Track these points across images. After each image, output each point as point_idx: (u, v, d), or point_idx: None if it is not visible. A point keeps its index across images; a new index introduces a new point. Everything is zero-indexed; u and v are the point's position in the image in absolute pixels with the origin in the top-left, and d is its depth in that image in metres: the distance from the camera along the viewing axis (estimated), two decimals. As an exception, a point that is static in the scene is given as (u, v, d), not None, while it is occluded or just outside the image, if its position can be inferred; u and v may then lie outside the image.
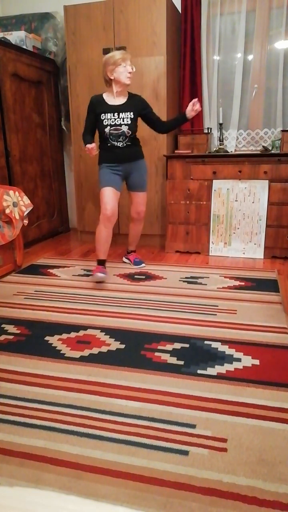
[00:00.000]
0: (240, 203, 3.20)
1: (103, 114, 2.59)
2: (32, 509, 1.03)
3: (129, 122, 2.61)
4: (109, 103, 2.61)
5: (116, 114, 2.58)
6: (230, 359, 1.72)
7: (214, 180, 3.22)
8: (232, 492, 1.07)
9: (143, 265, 3.04)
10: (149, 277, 2.79)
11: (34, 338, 1.94)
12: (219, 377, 1.59)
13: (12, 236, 2.79)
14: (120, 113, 2.59)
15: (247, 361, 1.70)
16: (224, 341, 1.88)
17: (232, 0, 3.36)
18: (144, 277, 2.80)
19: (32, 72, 3.50)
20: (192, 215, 3.32)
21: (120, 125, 2.59)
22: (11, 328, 2.05)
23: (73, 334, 1.97)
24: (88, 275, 2.84)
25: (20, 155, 3.44)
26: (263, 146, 3.36)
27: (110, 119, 2.58)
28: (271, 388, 1.51)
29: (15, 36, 3.45)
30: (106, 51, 3.28)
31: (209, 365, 1.67)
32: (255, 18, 3.33)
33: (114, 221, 2.67)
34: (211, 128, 3.58)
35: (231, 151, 3.58)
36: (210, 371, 1.63)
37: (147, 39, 3.18)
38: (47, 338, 1.94)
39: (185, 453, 1.21)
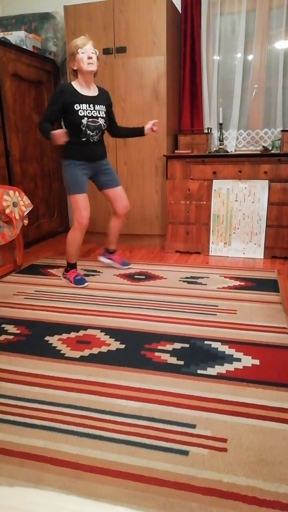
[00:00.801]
0: (240, 203, 3.20)
1: (77, 105, 2.38)
2: (32, 509, 1.03)
3: (104, 115, 2.49)
4: (82, 93, 2.42)
5: (91, 105, 2.42)
6: (230, 359, 1.72)
7: (214, 180, 3.22)
8: (232, 492, 1.07)
9: (130, 265, 3.00)
10: (149, 277, 2.79)
11: (34, 338, 1.94)
12: (219, 377, 1.59)
13: (12, 236, 2.79)
14: (96, 105, 2.44)
15: (247, 361, 1.70)
16: (224, 341, 1.88)
17: (232, 0, 3.36)
18: (144, 277, 2.80)
19: (32, 72, 3.50)
20: (192, 215, 3.32)
21: (97, 117, 2.44)
22: (11, 328, 2.05)
23: (73, 334, 1.97)
24: (88, 275, 2.84)
25: (20, 155, 3.44)
26: (263, 146, 3.36)
27: (86, 110, 2.40)
28: (271, 388, 1.50)
29: (15, 36, 3.45)
30: (106, 51, 3.28)
31: (209, 365, 1.67)
32: (255, 18, 3.33)
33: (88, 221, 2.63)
34: (211, 128, 3.59)
35: (231, 151, 3.58)
36: (210, 371, 1.63)
37: (147, 39, 3.18)
38: (47, 338, 1.94)
39: (185, 453, 1.21)
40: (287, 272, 2.89)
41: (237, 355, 1.75)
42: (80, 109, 2.39)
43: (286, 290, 2.53)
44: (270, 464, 1.16)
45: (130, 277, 2.80)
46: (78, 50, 2.33)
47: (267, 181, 3.09)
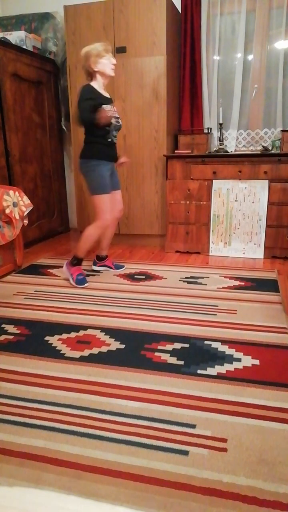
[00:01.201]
0: (240, 203, 3.20)
1: (104, 106, 2.43)
2: (32, 509, 1.03)
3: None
4: (103, 94, 2.51)
5: (112, 106, 2.51)
6: (230, 359, 1.72)
7: (214, 180, 3.22)
8: (232, 492, 1.07)
9: (124, 267, 2.98)
10: (149, 277, 2.79)
11: (34, 338, 1.94)
12: (219, 377, 1.59)
13: (12, 236, 2.79)
14: (114, 106, 2.53)
15: (247, 361, 1.70)
16: (224, 341, 1.88)
17: (232, 0, 3.36)
18: (144, 277, 2.80)
19: (32, 72, 3.50)
20: (192, 215, 3.32)
21: (118, 118, 2.54)
22: (11, 328, 2.05)
23: (73, 334, 1.97)
24: (88, 275, 2.84)
25: (20, 155, 3.44)
26: (263, 146, 3.36)
27: (110, 110, 2.46)
28: (271, 388, 1.51)
29: (15, 36, 3.45)
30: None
31: (209, 365, 1.67)
32: (255, 18, 3.33)
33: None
34: (211, 128, 3.59)
35: (231, 151, 3.58)
36: (210, 371, 1.63)
37: (147, 39, 3.18)
38: (47, 338, 1.94)
39: (185, 453, 1.21)
40: (287, 272, 2.89)
41: (237, 355, 1.75)
42: (106, 108, 2.43)
43: (286, 290, 2.53)
44: (270, 464, 1.16)
45: (130, 277, 2.80)
46: (105, 55, 2.42)
47: (267, 181, 3.09)
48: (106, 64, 2.43)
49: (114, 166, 2.69)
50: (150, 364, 1.69)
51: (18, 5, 4.03)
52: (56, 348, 1.84)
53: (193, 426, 1.32)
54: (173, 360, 1.72)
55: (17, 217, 2.82)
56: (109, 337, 1.93)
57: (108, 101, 2.53)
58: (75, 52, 3.39)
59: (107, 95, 2.56)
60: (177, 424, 1.33)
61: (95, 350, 1.81)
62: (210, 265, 3.08)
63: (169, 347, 1.83)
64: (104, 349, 1.82)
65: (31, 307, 2.32)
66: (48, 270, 2.97)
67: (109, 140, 2.52)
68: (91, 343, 1.88)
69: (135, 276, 2.81)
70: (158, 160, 3.39)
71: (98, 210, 2.56)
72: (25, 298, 2.45)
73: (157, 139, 3.36)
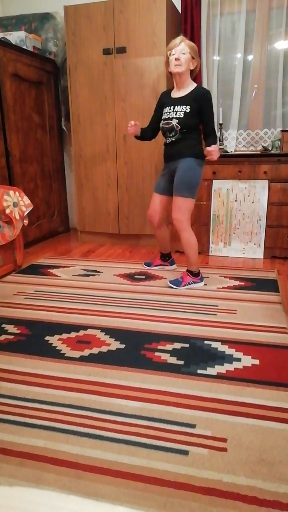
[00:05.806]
0: (240, 203, 3.20)
1: (164, 108, 2.49)
2: (32, 509, 1.03)
3: (181, 115, 2.39)
4: (172, 95, 2.48)
5: (172, 107, 2.43)
6: (230, 359, 1.72)
7: (214, 180, 3.22)
8: (232, 492, 1.07)
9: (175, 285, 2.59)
10: (149, 277, 2.79)
11: (34, 338, 1.94)
12: (219, 377, 1.59)
13: (12, 236, 2.79)
14: (176, 106, 2.42)
15: (247, 361, 1.70)
16: (224, 341, 1.88)
17: (232, 0, 3.36)
18: (144, 277, 2.80)
19: (32, 72, 3.50)
20: (192, 215, 3.31)
21: (171, 118, 2.42)
22: (11, 328, 2.05)
23: (73, 334, 1.97)
24: (88, 275, 2.84)
25: (20, 155, 3.44)
26: (263, 146, 3.36)
27: (166, 112, 2.46)
28: (271, 388, 1.51)
29: (15, 36, 3.45)
30: (106, 51, 3.28)
31: (209, 365, 1.67)
32: (255, 18, 3.33)
33: (156, 222, 2.77)
34: (211, 128, 3.58)
35: (231, 151, 3.58)
36: (210, 371, 1.63)
37: (147, 39, 3.18)
38: (47, 338, 1.94)
39: (185, 453, 1.21)
40: (287, 272, 2.89)
41: (237, 355, 1.75)
42: (164, 112, 2.49)
43: (286, 290, 2.53)
44: (270, 464, 1.16)
45: (130, 277, 2.80)
46: (169, 53, 2.38)
47: (267, 181, 3.09)
48: (171, 61, 2.36)
49: (173, 166, 2.52)
50: (150, 364, 1.69)
51: (18, 5, 4.03)
52: (56, 348, 1.84)
53: (193, 426, 1.32)
54: (173, 360, 1.72)
55: (17, 217, 2.82)
56: (109, 337, 1.93)
57: (172, 101, 2.45)
58: (75, 52, 3.39)
59: (178, 94, 2.45)
60: (177, 424, 1.33)
61: (95, 350, 1.81)
62: (210, 265, 3.08)
63: (169, 347, 1.83)
64: (104, 349, 1.83)
65: (31, 307, 2.32)
66: (48, 270, 2.98)
67: (166, 141, 2.54)
68: (91, 343, 1.88)
69: (135, 276, 2.81)
70: (158, 160, 3.39)
71: None
72: (25, 298, 2.45)
73: (157, 139, 3.35)
